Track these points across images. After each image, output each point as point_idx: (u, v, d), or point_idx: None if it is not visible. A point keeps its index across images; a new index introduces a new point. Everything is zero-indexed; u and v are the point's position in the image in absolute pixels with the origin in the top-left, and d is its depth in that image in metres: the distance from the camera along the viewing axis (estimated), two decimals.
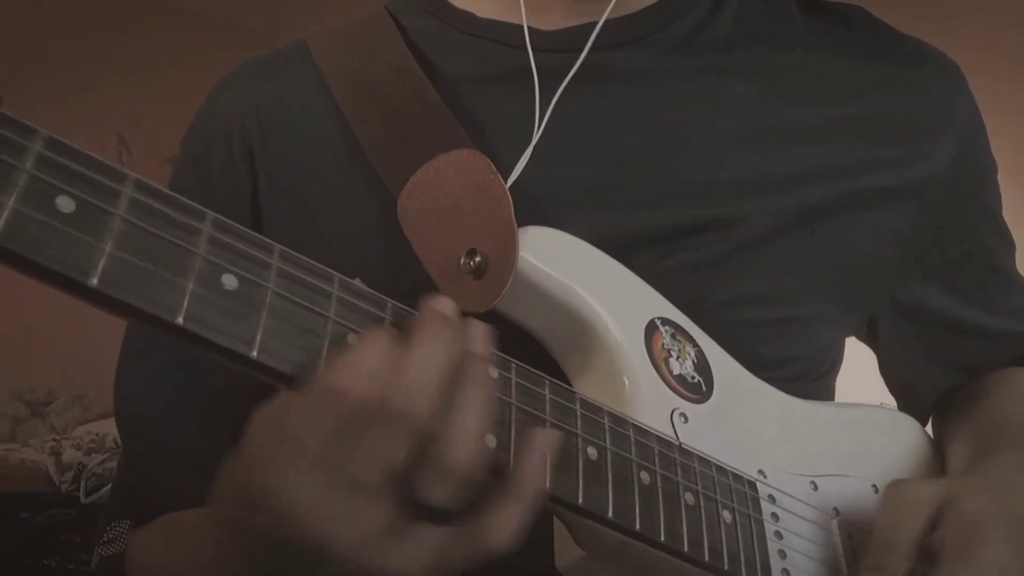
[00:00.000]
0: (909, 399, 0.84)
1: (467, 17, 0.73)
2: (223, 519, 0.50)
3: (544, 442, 0.48)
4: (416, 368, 0.43)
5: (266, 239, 0.43)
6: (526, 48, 0.69)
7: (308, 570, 0.45)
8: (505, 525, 0.46)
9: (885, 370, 0.85)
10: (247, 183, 0.71)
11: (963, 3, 3.22)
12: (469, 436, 0.44)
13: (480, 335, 0.46)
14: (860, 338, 0.83)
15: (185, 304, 0.39)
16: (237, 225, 0.42)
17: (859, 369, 0.86)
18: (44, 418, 3.25)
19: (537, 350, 0.60)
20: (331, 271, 0.45)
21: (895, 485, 0.62)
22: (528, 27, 0.70)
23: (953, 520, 0.58)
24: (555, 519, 0.56)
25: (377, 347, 0.43)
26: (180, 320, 0.39)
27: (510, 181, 0.64)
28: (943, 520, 0.59)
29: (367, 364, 0.43)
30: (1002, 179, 0.81)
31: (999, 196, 0.82)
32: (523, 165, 0.65)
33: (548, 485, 0.48)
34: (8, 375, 3.37)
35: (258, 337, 0.41)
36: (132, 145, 3.85)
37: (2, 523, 2.42)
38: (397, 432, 0.43)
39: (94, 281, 0.36)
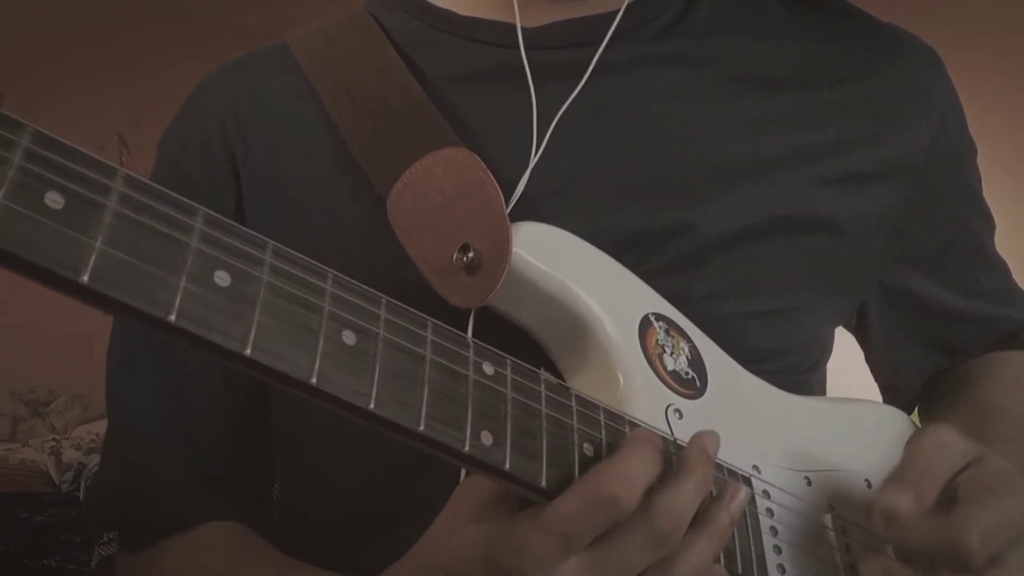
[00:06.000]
0: (895, 385, 0.84)
1: (448, 16, 0.73)
2: None
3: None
4: (684, 498, 0.49)
5: (259, 235, 0.42)
6: (510, 46, 0.69)
7: None
8: None
9: (871, 358, 0.85)
10: (230, 184, 0.71)
11: (965, 4, 3.22)
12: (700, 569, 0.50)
13: (738, 491, 0.53)
14: (849, 329, 0.83)
15: (178, 301, 0.38)
16: (229, 221, 0.41)
17: (853, 362, 0.86)
18: (44, 418, 3.26)
19: (531, 347, 0.60)
20: (325, 267, 0.44)
21: (927, 431, 0.61)
22: (514, 24, 0.70)
23: (980, 469, 0.58)
24: None
25: (650, 465, 0.48)
26: (173, 318, 0.38)
27: (518, 192, 0.63)
28: (969, 468, 0.58)
29: (641, 479, 0.48)
30: (1003, 180, 0.82)
31: (980, 176, 0.82)
32: (528, 173, 0.64)
33: (544, 483, 0.48)
34: (8, 375, 3.38)
35: (252, 334, 0.40)
36: (132, 145, 3.85)
37: (2, 523, 2.42)
38: (650, 548, 0.48)
39: (85, 278, 0.35)
